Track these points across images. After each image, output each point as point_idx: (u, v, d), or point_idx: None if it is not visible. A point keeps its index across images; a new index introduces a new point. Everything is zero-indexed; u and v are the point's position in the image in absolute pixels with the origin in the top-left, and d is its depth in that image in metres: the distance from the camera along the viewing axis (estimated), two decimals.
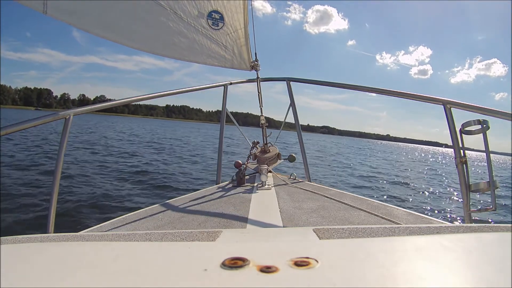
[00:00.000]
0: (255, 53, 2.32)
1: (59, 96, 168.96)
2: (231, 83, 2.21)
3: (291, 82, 2.18)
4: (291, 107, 2.26)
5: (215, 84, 2.13)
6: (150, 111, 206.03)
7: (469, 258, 0.40)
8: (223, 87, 2.17)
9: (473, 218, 1.18)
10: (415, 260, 0.40)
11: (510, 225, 0.57)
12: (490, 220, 5.02)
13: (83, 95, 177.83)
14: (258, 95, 2.34)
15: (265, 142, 2.31)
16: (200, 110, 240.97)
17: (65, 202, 4.08)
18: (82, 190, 4.81)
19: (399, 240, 0.53)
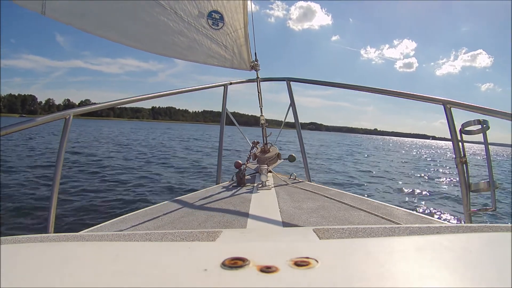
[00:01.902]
0: (255, 53, 2.32)
1: (43, 102, 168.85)
2: (231, 83, 2.21)
3: (291, 82, 2.19)
4: (291, 107, 2.26)
5: (215, 84, 2.13)
6: (135, 113, 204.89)
7: (469, 258, 0.40)
8: (223, 87, 2.17)
9: (473, 218, 1.18)
10: (415, 260, 0.40)
11: (510, 225, 0.57)
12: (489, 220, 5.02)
13: (68, 100, 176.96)
14: (258, 95, 2.34)
15: (265, 142, 2.31)
16: (186, 111, 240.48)
17: None
18: None
19: (399, 240, 0.53)
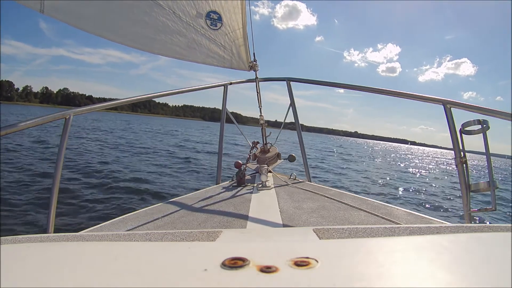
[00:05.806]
0: (254, 53, 2.32)
1: (21, 89, 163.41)
2: (231, 83, 2.21)
3: (291, 82, 2.19)
4: (291, 107, 2.27)
5: (215, 84, 2.13)
6: None
7: (469, 258, 0.40)
8: (223, 87, 2.17)
9: (473, 218, 1.18)
10: (415, 260, 0.40)
11: (510, 225, 0.57)
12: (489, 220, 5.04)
13: (46, 88, 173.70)
14: (257, 95, 2.34)
15: (264, 142, 2.31)
16: (166, 105, 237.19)
17: None
18: None
19: (399, 240, 0.53)
